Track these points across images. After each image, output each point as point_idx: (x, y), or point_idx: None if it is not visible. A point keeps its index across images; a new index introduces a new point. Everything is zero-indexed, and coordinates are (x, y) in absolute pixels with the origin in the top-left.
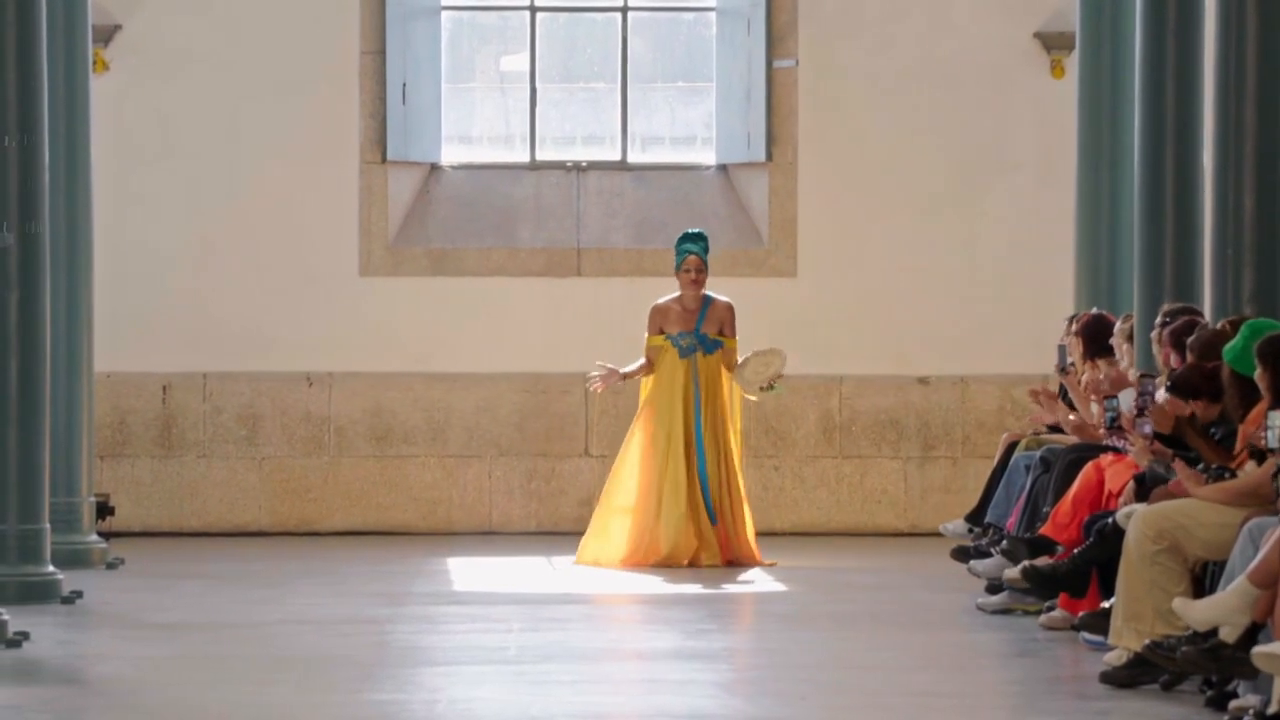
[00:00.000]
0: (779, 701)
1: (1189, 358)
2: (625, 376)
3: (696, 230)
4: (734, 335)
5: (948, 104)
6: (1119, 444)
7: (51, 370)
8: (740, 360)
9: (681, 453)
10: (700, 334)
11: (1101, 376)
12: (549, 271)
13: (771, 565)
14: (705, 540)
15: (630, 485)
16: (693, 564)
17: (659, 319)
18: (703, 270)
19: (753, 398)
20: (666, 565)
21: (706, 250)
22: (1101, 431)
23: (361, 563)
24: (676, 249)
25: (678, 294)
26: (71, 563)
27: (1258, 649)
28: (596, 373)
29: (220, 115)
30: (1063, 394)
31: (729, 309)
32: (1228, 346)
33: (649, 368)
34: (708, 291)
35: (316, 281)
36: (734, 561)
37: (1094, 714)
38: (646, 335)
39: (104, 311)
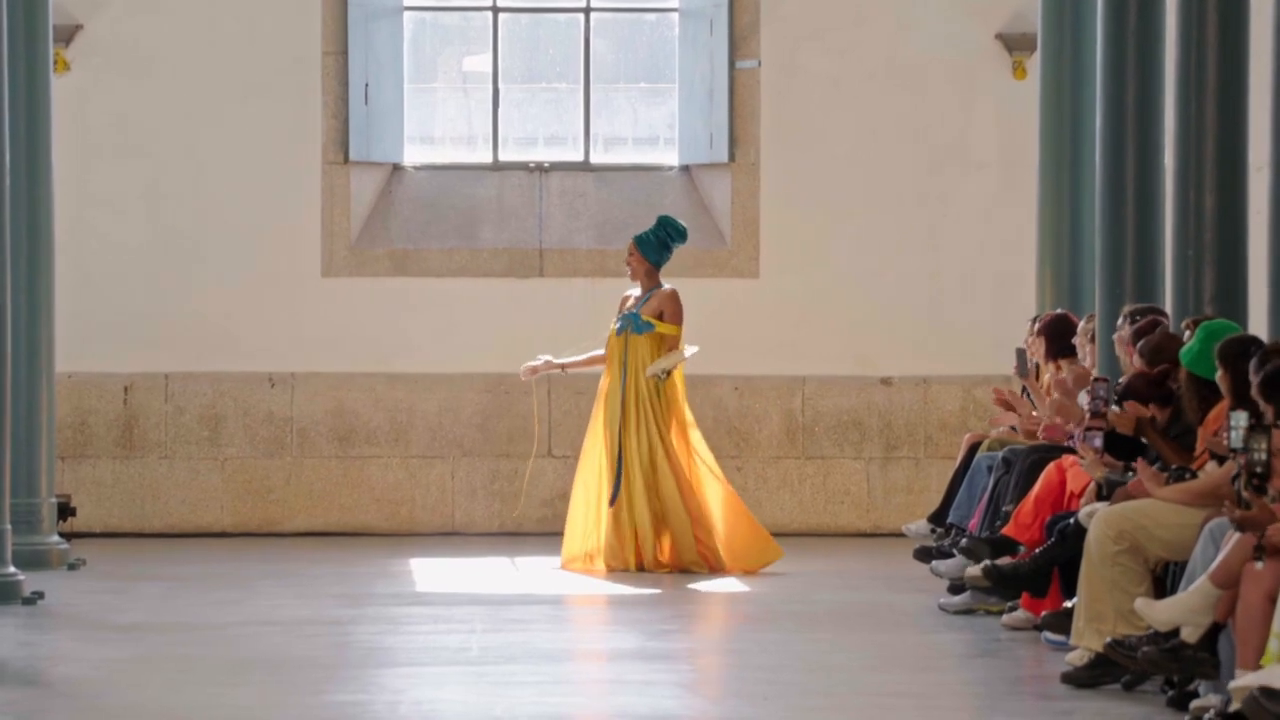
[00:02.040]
0: (741, 702)
1: (1138, 361)
2: (565, 367)
3: (662, 216)
4: (676, 322)
5: (910, 105)
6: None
7: (12, 371)
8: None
9: (601, 443)
10: (634, 314)
11: (1064, 375)
12: (511, 272)
13: (718, 573)
14: (636, 537)
15: (578, 484)
16: (640, 567)
17: (620, 304)
18: (633, 254)
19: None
20: (600, 571)
21: (653, 236)
22: (1072, 426)
23: (324, 563)
24: None
25: None
26: (32, 564)
27: (1236, 683)
28: (533, 362)
29: (182, 115)
30: (1024, 395)
31: (670, 297)
32: (1184, 349)
33: (605, 357)
34: (663, 280)
35: (279, 282)
36: (652, 563)
37: (1056, 714)
38: None
39: (65, 312)
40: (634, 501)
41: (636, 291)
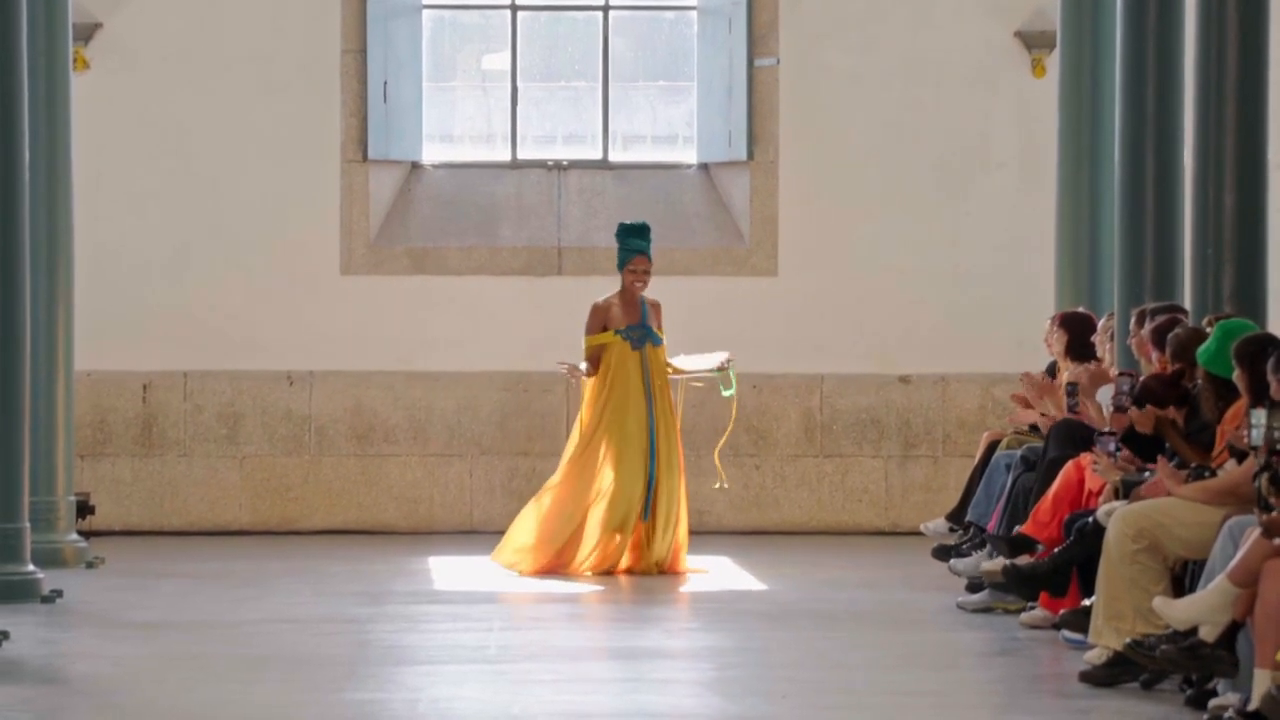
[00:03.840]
0: (760, 700)
1: (1164, 357)
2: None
3: (641, 222)
4: (663, 331)
5: (929, 103)
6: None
7: (31, 369)
8: (674, 360)
9: (627, 454)
10: (646, 325)
11: (1081, 370)
12: (530, 270)
13: (698, 573)
14: (640, 542)
15: (566, 488)
16: (629, 570)
17: (602, 317)
18: (649, 270)
19: (715, 377)
20: (593, 573)
21: (650, 244)
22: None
23: (342, 562)
24: (622, 243)
25: (616, 291)
26: (51, 562)
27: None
28: (564, 366)
29: (201, 114)
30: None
31: (659, 306)
32: (1201, 348)
33: (591, 369)
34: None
35: (298, 280)
36: (661, 567)
37: (1074, 712)
38: (586, 337)
39: (84, 310)
40: (671, 508)
41: (608, 297)
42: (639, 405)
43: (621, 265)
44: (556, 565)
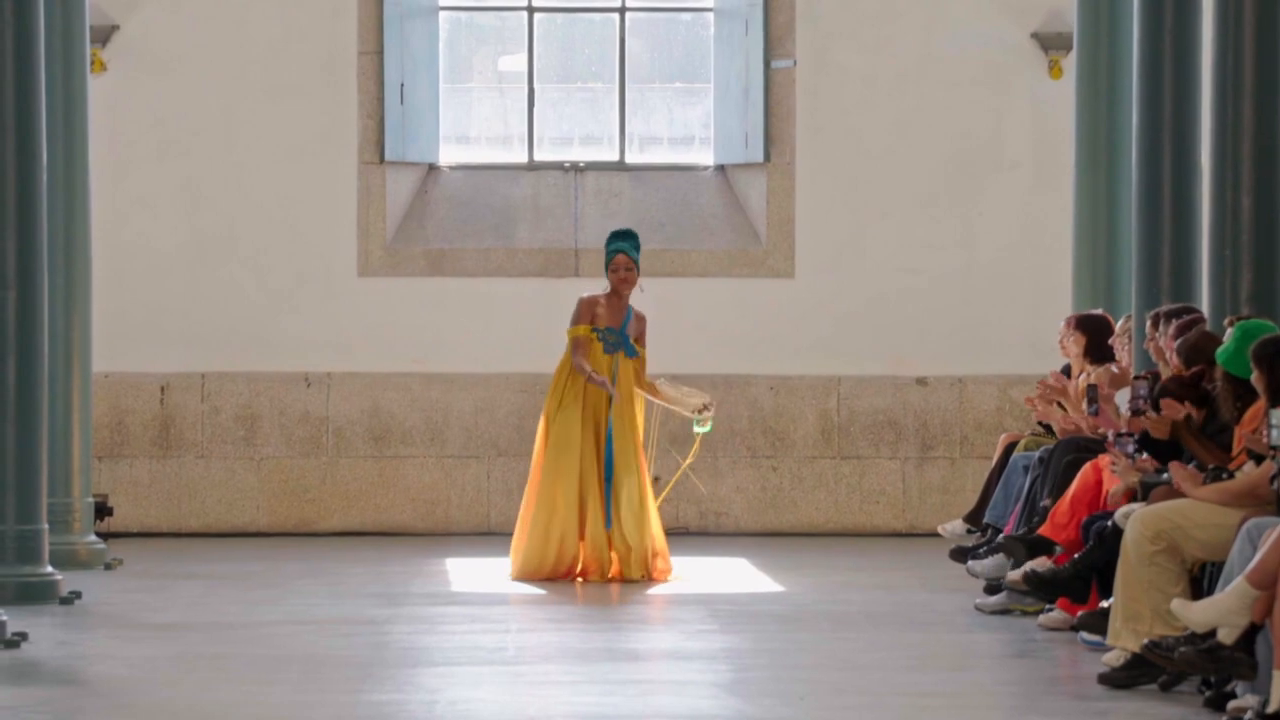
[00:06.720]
0: (778, 702)
1: (1176, 360)
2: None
3: (625, 229)
4: (645, 345)
5: (945, 104)
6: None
7: (49, 370)
8: (658, 382)
9: (580, 457)
10: (624, 334)
11: (1101, 372)
12: (547, 271)
13: (674, 580)
14: (603, 549)
15: (531, 492)
16: (582, 575)
17: (589, 310)
18: (631, 269)
19: (690, 417)
20: (551, 578)
21: (636, 248)
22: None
23: (360, 563)
24: (605, 248)
25: (606, 291)
26: (69, 563)
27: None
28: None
29: (218, 115)
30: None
31: (644, 320)
32: (1220, 349)
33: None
34: (630, 303)
35: (315, 282)
36: (630, 575)
37: (1092, 714)
38: (570, 325)
39: (102, 312)
40: (631, 516)
41: (597, 294)
42: (597, 409)
43: (605, 267)
44: (533, 572)
